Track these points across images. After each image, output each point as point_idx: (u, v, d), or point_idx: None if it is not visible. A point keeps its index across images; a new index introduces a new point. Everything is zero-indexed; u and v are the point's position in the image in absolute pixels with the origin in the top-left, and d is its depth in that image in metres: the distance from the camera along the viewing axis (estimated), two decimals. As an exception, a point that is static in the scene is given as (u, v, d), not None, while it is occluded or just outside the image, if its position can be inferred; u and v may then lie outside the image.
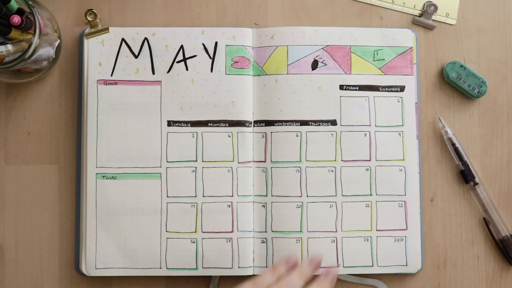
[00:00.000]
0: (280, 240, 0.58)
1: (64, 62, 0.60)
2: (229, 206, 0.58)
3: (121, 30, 0.59)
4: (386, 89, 0.59)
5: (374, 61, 0.59)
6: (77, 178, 0.59)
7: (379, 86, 0.59)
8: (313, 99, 0.59)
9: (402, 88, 0.59)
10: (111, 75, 0.59)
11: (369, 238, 0.58)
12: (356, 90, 0.59)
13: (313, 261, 0.52)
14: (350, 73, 0.59)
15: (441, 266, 0.60)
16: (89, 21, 0.58)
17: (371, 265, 0.58)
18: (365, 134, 0.59)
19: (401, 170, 0.59)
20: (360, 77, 0.59)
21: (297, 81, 0.59)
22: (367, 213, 0.58)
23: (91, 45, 0.59)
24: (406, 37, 0.60)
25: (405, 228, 0.58)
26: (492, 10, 0.62)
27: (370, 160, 0.59)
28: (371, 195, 0.58)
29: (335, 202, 0.58)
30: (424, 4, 0.61)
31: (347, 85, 0.59)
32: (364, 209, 0.58)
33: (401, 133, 0.59)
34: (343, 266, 0.58)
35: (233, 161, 0.58)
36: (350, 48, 0.60)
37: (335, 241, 0.58)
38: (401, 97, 0.59)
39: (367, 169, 0.59)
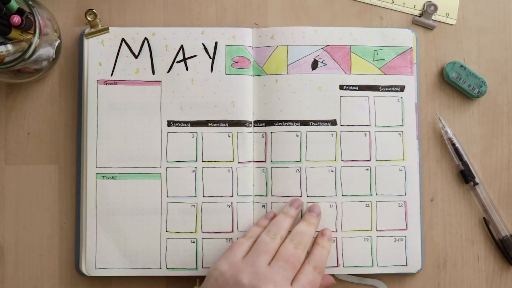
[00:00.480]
0: (280, 240, 0.58)
1: (64, 62, 0.60)
2: (229, 206, 0.58)
3: (121, 30, 0.59)
4: (386, 89, 0.59)
5: (374, 61, 0.59)
6: (77, 178, 0.59)
7: (379, 86, 0.59)
8: (313, 99, 0.59)
9: (402, 88, 0.59)
10: (111, 75, 0.59)
11: (369, 238, 0.58)
12: (356, 90, 0.59)
13: (294, 203, 0.57)
14: (350, 73, 0.59)
15: (441, 266, 0.60)
16: (89, 21, 0.58)
17: (371, 265, 0.58)
18: (365, 134, 0.59)
19: (401, 170, 0.59)
20: (360, 77, 0.59)
21: (297, 81, 0.59)
22: (367, 213, 0.58)
23: (91, 45, 0.59)
24: (406, 37, 0.60)
25: (405, 228, 0.58)
26: (492, 10, 0.62)
27: (370, 160, 0.59)
28: (371, 195, 0.58)
29: (335, 202, 0.58)
30: (424, 4, 0.61)
31: (347, 85, 0.59)
32: (364, 209, 0.58)
33: (401, 133, 0.59)
34: (343, 266, 0.58)
35: (233, 161, 0.58)
36: (350, 48, 0.60)
37: (335, 241, 0.58)
38: (401, 97, 0.59)
39: (367, 169, 0.59)
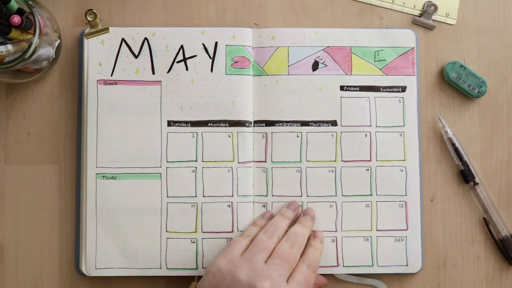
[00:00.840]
0: (280, 240, 0.58)
1: (64, 62, 0.60)
2: (229, 206, 0.58)
3: (121, 30, 0.59)
4: (387, 89, 0.59)
5: (375, 61, 0.59)
6: (77, 178, 0.59)
7: (380, 87, 0.59)
8: (313, 100, 0.59)
9: (403, 89, 0.59)
10: (111, 75, 0.58)
11: (369, 238, 0.58)
12: (356, 91, 0.59)
13: (291, 205, 0.58)
14: (351, 74, 0.59)
15: (441, 266, 0.60)
16: (89, 21, 0.58)
17: (371, 265, 0.58)
18: (366, 135, 0.59)
19: (402, 171, 0.59)
20: (360, 78, 0.59)
21: (298, 82, 0.59)
22: (367, 213, 0.58)
23: (91, 45, 0.59)
24: (408, 37, 0.60)
25: (405, 228, 0.58)
26: (492, 10, 0.62)
27: (370, 160, 0.59)
28: (371, 195, 0.58)
29: (335, 202, 0.58)
30: (424, 4, 0.61)
31: (347, 86, 0.59)
32: (364, 209, 0.58)
33: (402, 133, 0.59)
34: (343, 266, 0.58)
35: (233, 161, 0.58)
36: (351, 49, 0.59)
37: (335, 240, 0.58)
38: (403, 98, 0.59)
39: (368, 169, 0.59)
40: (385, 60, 0.59)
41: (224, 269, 0.51)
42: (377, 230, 0.58)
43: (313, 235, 0.57)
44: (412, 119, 0.59)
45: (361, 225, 0.58)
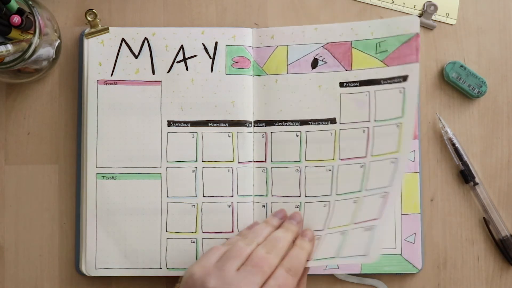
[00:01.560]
0: (280, 240, 0.57)
1: (64, 62, 0.60)
2: (229, 206, 0.58)
3: (121, 30, 0.59)
4: (388, 81, 0.57)
5: (376, 53, 0.58)
6: (77, 178, 0.59)
7: (380, 79, 0.57)
8: (313, 98, 0.59)
9: (405, 78, 0.57)
10: (111, 75, 0.58)
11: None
12: (356, 86, 0.58)
13: (278, 213, 0.57)
14: (351, 69, 0.58)
15: (441, 266, 0.60)
16: (89, 21, 0.58)
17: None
18: (364, 131, 0.58)
19: (393, 162, 0.56)
20: (361, 72, 0.58)
21: (297, 81, 0.59)
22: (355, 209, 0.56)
23: (91, 45, 0.59)
24: (411, 23, 0.57)
25: (377, 217, 0.53)
26: (492, 10, 0.62)
27: (366, 156, 0.57)
28: (360, 191, 0.56)
29: (329, 201, 0.58)
30: (424, 4, 0.61)
31: (347, 82, 0.58)
32: (352, 205, 0.56)
33: (399, 124, 0.56)
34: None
35: (233, 161, 0.58)
36: (351, 43, 0.59)
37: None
38: (403, 88, 0.57)
39: (362, 165, 0.57)
40: (387, 50, 0.57)
41: (195, 275, 0.49)
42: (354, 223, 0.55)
43: (301, 234, 0.54)
44: (412, 109, 0.55)
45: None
